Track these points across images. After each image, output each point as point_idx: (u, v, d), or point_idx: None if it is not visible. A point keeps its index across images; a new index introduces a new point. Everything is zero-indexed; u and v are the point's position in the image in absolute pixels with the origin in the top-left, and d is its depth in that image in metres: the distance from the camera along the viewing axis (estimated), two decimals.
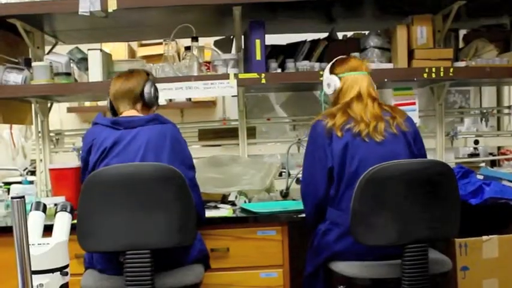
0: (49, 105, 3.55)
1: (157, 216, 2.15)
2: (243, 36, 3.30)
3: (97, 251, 2.29)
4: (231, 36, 3.52)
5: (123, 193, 2.15)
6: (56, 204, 2.27)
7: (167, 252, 2.24)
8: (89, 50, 3.17)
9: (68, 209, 2.17)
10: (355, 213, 2.19)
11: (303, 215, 2.66)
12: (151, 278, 2.14)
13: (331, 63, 2.65)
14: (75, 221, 2.17)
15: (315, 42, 3.31)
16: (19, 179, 3.36)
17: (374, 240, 2.21)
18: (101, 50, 3.19)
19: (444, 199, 2.23)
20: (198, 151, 3.60)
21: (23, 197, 1.45)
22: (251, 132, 3.57)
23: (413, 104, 3.27)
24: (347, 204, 2.26)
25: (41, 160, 3.53)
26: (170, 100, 4.56)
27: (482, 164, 3.75)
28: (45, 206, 2.20)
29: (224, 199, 3.13)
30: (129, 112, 2.58)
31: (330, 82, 2.59)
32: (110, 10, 2.89)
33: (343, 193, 2.37)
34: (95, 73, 3.10)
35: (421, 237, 2.21)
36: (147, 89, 2.60)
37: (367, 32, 3.33)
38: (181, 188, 2.18)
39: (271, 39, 3.27)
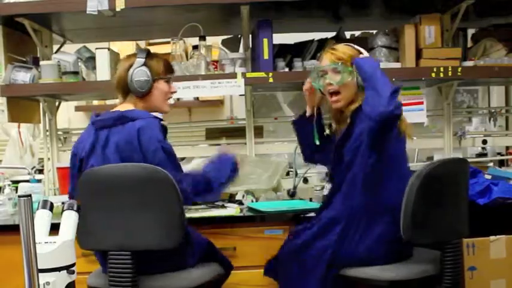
0: (57, 104, 3.57)
1: (142, 218, 2.11)
2: (250, 35, 3.30)
3: (88, 249, 2.31)
4: (239, 35, 3.52)
5: (110, 194, 2.14)
6: (63, 203, 2.27)
7: (159, 255, 2.19)
8: (96, 49, 3.18)
9: (75, 208, 2.16)
10: (411, 214, 2.15)
11: (311, 215, 2.65)
12: (133, 280, 2.10)
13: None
14: None
15: (322, 42, 3.30)
16: (27, 177, 3.37)
17: (426, 239, 2.24)
18: (108, 49, 3.20)
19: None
20: (205, 150, 3.61)
21: (30, 195, 1.46)
22: (258, 132, 3.57)
23: (421, 103, 3.27)
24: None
25: (48, 159, 3.54)
26: (178, 99, 4.56)
27: (491, 164, 3.74)
28: (52, 204, 2.19)
29: (231, 198, 3.13)
30: (119, 106, 2.36)
31: None
32: (117, 9, 2.90)
33: None
34: (103, 72, 3.11)
35: (463, 233, 2.36)
36: (129, 76, 2.31)
37: (374, 32, 3.33)
38: (168, 190, 2.11)
39: (279, 38, 3.26)
